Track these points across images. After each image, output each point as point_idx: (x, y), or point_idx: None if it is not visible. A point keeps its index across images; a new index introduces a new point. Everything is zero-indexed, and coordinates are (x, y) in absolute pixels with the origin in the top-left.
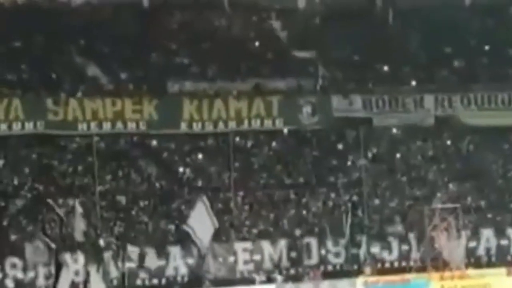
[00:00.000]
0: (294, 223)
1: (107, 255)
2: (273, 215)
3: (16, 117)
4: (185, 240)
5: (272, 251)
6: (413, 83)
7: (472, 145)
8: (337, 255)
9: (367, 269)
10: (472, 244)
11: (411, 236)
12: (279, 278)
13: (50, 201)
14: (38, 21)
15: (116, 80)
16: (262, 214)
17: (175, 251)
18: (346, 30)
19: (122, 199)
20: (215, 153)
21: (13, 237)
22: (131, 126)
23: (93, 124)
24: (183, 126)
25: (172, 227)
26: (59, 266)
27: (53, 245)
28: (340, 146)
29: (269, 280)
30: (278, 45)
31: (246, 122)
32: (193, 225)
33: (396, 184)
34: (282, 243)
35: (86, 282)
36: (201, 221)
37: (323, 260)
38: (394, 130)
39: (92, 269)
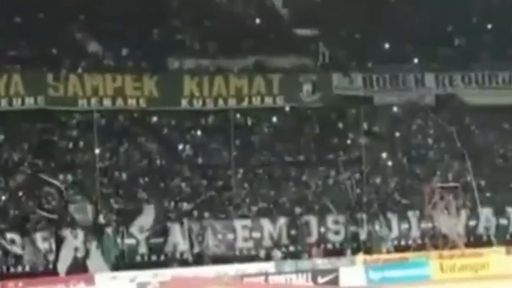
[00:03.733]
0: (294, 201)
1: (107, 231)
2: (273, 192)
3: (16, 92)
4: (185, 217)
5: (271, 228)
6: (414, 61)
7: (472, 124)
8: (336, 233)
9: (366, 247)
10: (472, 223)
11: (411, 214)
12: (278, 254)
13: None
14: None
15: (117, 57)
16: (262, 191)
17: (174, 228)
18: (347, 7)
19: (122, 175)
20: (216, 130)
21: (12, 213)
22: (132, 102)
23: (93, 100)
24: (184, 103)
25: (172, 204)
26: (59, 242)
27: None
28: (340, 124)
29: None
30: (279, 22)
31: (246, 99)
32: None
33: (396, 162)
34: (282, 220)
35: (85, 258)
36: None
37: (322, 238)
38: (395, 109)
39: (92, 246)
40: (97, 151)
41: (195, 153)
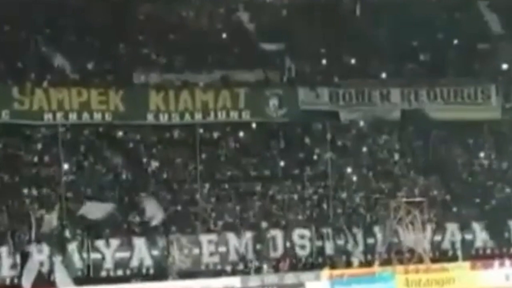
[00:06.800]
0: (260, 215)
1: (72, 246)
2: (239, 207)
3: None
4: (150, 232)
5: (237, 243)
6: (380, 76)
7: (438, 139)
8: (302, 247)
9: (332, 262)
10: (437, 237)
11: (377, 229)
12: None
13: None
14: (4, 9)
15: (83, 71)
16: (228, 206)
17: (140, 243)
18: (313, 22)
19: (87, 190)
20: (181, 144)
21: None
22: (97, 116)
23: (59, 114)
24: (150, 117)
25: (137, 218)
26: (24, 257)
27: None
28: (306, 139)
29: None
30: (246, 37)
31: (212, 114)
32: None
33: (362, 177)
34: (248, 235)
35: (50, 272)
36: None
37: (288, 253)
38: (361, 124)
39: (57, 260)
40: (65, 166)
41: (161, 167)
